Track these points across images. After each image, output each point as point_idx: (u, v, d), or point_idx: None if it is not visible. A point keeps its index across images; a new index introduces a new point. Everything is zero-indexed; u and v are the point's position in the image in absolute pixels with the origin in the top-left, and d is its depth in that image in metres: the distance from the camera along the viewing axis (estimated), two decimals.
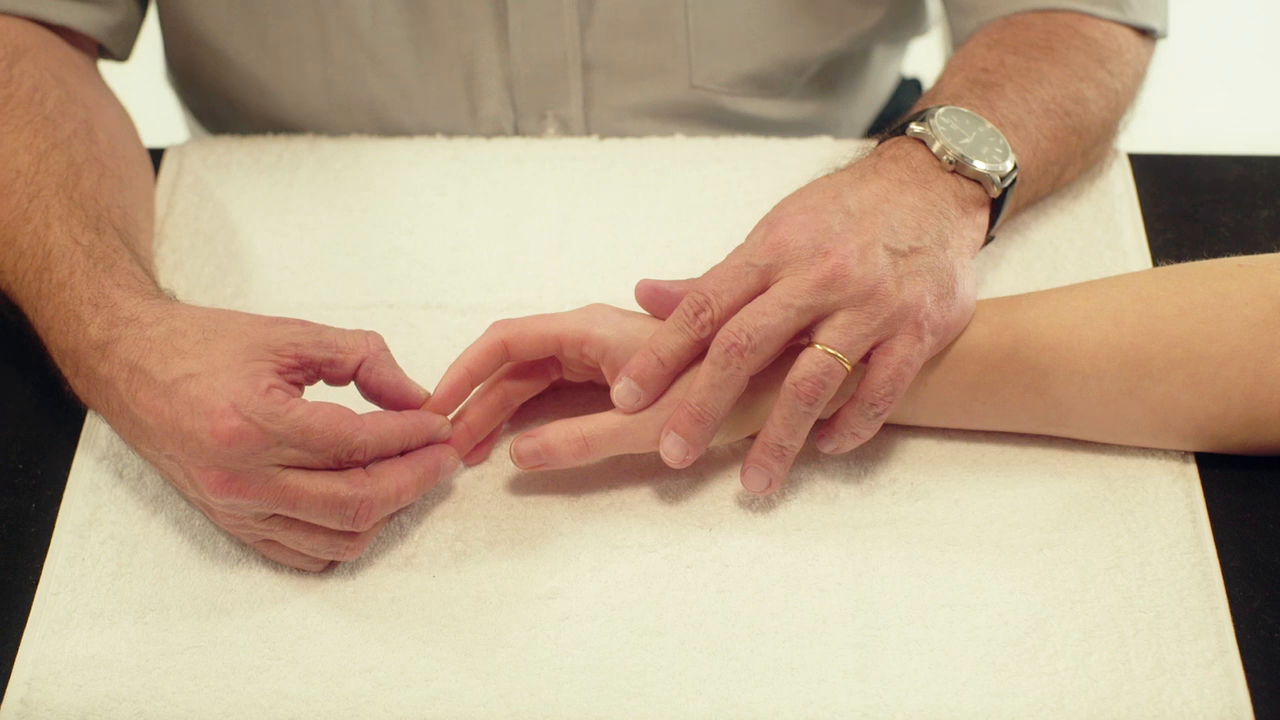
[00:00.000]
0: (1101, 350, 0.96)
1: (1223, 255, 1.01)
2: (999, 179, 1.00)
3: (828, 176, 1.00)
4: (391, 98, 1.22)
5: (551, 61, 1.21)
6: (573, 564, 0.96)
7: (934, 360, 0.97)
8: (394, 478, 0.93)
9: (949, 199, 0.99)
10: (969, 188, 1.00)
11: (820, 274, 0.94)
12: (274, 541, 0.94)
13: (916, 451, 1.00)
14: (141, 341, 0.93)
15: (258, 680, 0.91)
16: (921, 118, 1.01)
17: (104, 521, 0.98)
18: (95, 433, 1.02)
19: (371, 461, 0.93)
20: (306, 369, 0.93)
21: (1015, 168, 1.01)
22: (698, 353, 0.95)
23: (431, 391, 0.97)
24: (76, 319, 0.95)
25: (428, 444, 0.96)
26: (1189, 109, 2.38)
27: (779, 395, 0.95)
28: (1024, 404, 0.98)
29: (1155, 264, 1.11)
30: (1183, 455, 0.99)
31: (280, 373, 0.92)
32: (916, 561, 0.95)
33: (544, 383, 1.00)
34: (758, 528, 0.97)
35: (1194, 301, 0.96)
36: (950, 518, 0.97)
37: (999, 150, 1.01)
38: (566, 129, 1.24)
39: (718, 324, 0.95)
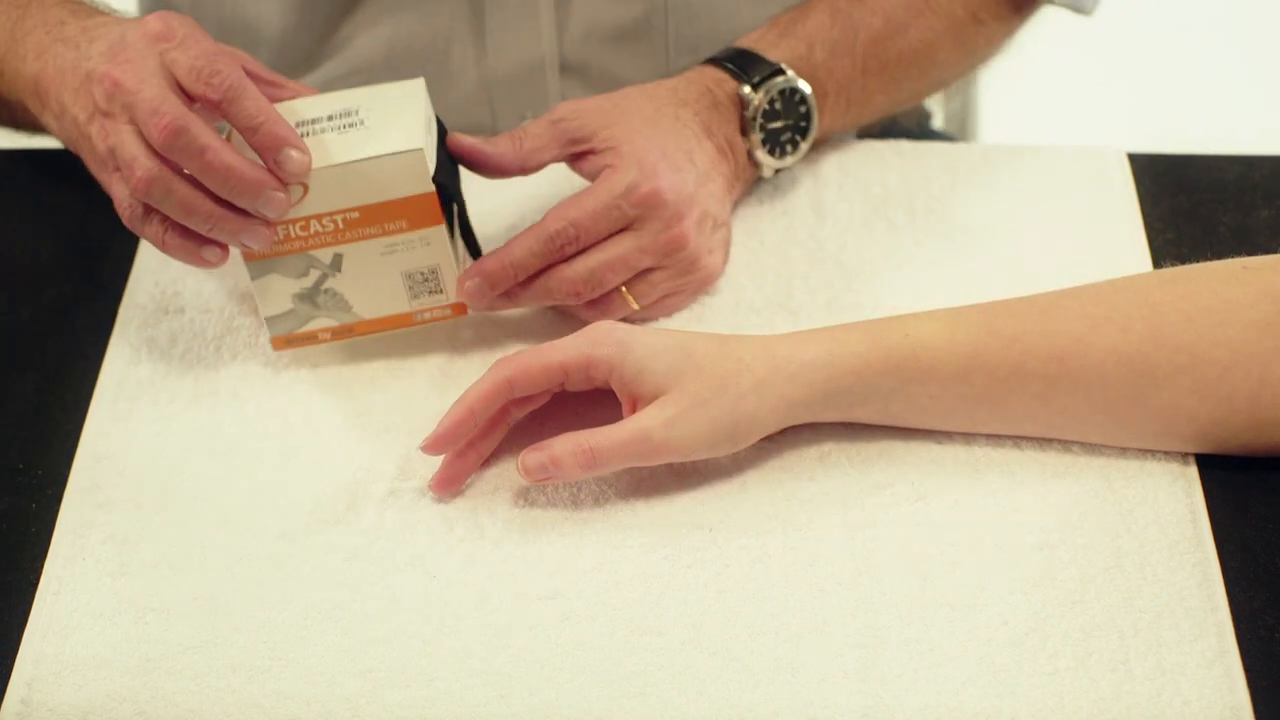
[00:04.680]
0: (1109, 358, 0.96)
1: (1223, 255, 1.01)
2: (772, 171, 1.14)
3: (678, 109, 1.09)
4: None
5: (529, 63, 1.21)
6: (573, 564, 0.96)
7: (941, 375, 0.97)
8: (214, 144, 0.96)
9: (737, 179, 1.12)
10: (745, 172, 1.13)
11: (669, 239, 1.05)
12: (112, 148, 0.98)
13: (916, 453, 1.00)
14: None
15: (258, 680, 0.91)
16: (759, 79, 1.11)
17: (104, 521, 0.98)
18: (95, 434, 1.02)
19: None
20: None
21: (802, 154, 1.14)
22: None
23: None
24: (59, 24, 1.04)
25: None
26: (1189, 109, 2.38)
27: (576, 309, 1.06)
28: (1029, 412, 0.98)
29: (1155, 264, 1.11)
30: (1183, 455, 0.99)
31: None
32: (916, 561, 0.95)
33: (545, 397, 1.00)
34: (758, 528, 0.97)
35: (1199, 306, 0.96)
36: (950, 518, 0.97)
37: (795, 140, 1.13)
38: None
39: (574, 255, 1.04)
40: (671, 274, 1.06)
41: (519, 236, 1.03)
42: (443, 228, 1.00)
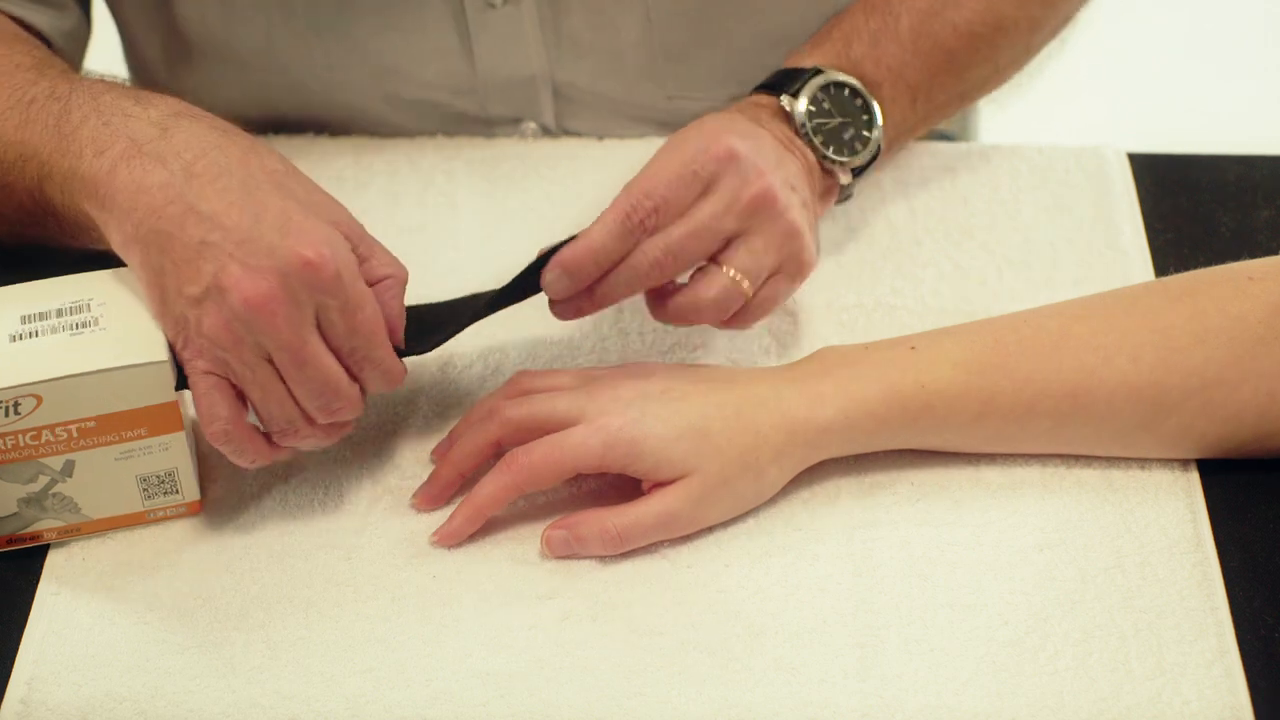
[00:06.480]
0: (1120, 390, 0.96)
1: (1223, 255, 1.01)
2: (851, 171, 1.07)
3: (731, 115, 1.04)
4: (366, 105, 1.22)
5: (521, 81, 1.20)
6: (573, 564, 0.96)
7: (955, 423, 0.97)
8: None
9: (811, 175, 1.05)
10: (821, 180, 1.06)
11: (752, 196, 0.98)
12: (230, 386, 0.92)
13: (917, 453, 1.00)
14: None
15: (258, 680, 0.91)
16: (797, 87, 1.06)
17: None
18: None
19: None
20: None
21: (878, 149, 1.07)
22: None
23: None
24: (123, 114, 0.93)
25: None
26: (1189, 109, 2.38)
27: (682, 303, 1.00)
28: (1037, 445, 0.99)
29: (1155, 263, 1.11)
30: None
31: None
32: (916, 561, 0.95)
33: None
34: (758, 528, 0.97)
35: (1208, 327, 0.96)
36: (950, 518, 0.97)
37: (862, 135, 1.07)
38: (547, 133, 1.23)
39: (657, 230, 0.98)
40: (766, 240, 0.99)
41: (595, 222, 0.98)
42: (183, 434, 0.95)
